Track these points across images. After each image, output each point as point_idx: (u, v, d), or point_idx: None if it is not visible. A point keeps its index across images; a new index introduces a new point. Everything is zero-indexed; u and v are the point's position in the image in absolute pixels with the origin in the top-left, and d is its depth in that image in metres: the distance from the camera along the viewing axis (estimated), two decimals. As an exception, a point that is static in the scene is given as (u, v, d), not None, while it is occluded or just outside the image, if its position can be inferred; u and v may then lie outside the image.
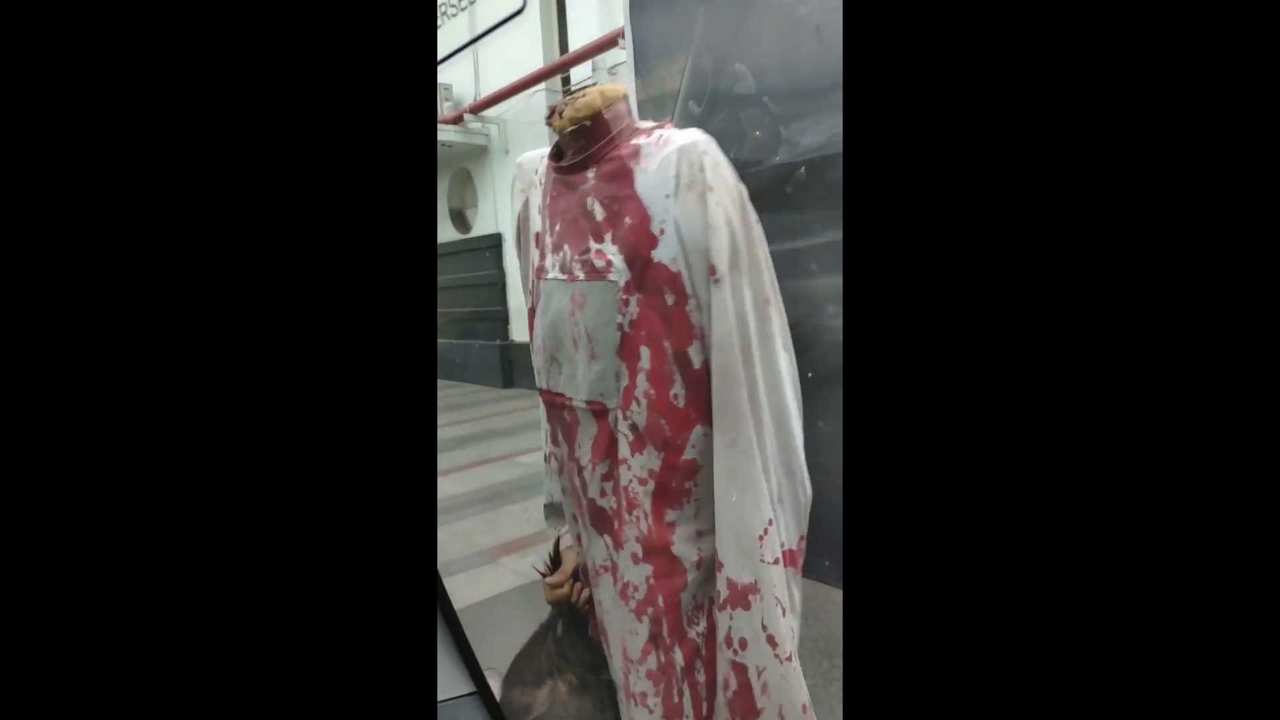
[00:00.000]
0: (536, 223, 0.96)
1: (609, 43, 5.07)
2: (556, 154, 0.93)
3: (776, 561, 0.81)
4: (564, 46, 6.38)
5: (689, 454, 0.84)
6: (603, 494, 0.90)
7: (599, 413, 0.87)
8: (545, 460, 1.06)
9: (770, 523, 0.81)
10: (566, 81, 6.16)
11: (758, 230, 0.84)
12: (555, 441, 0.97)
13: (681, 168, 0.80)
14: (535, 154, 1.00)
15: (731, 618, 0.82)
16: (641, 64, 1.52)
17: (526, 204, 0.99)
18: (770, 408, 0.83)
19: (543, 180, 0.96)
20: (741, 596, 0.81)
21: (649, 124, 0.89)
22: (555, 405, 0.94)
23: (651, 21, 1.49)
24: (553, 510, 1.08)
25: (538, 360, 0.95)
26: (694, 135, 0.82)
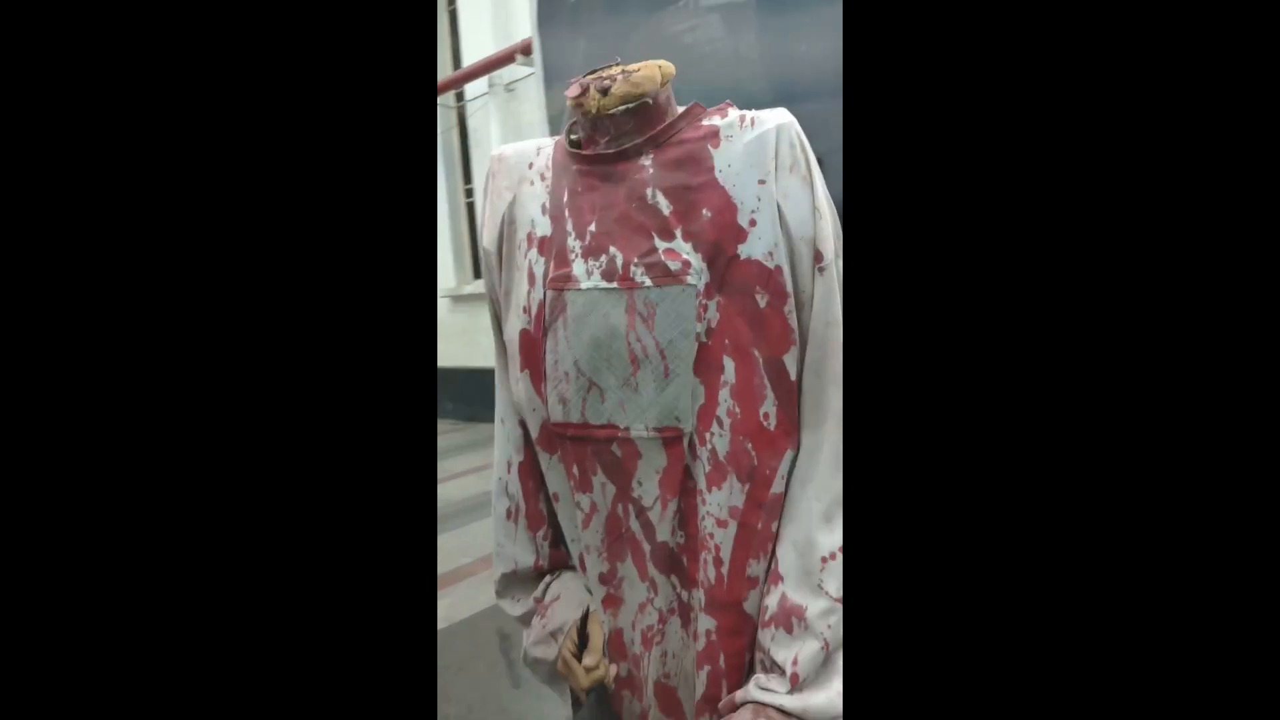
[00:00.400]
0: (539, 225, 0.80)
1: (506, 58, 5.06)
2: (575, 141, 0.80)
3: (839, 600, 0.70)
4: (457, 61, 6.30)
5: (778, 486, 0.72)
6: (673, 533, 0.76)
7: (670, 441, 0.73)
8: (508, 518, 0.87)
9: (841, 551, 0.70)
10: (460, 97, 6.09)
11: None
12: (584, 486, 0.79)
13: (781, 148, 0.70)
14: (523, 145, 0.85)
15: (772, 637, 0.70)
16: (551, 82, 1.54)
17: (514, 203, 0.82)
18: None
19: (546, 174, 0.81)
20: (785, 617, 0.70)
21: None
22: (594, 440, 0.77)
23: (559, 39, 1.52)
24: (513, 581, 0.89)
25: (561, 389, 0.77)
26: (787, 114, 0.72)
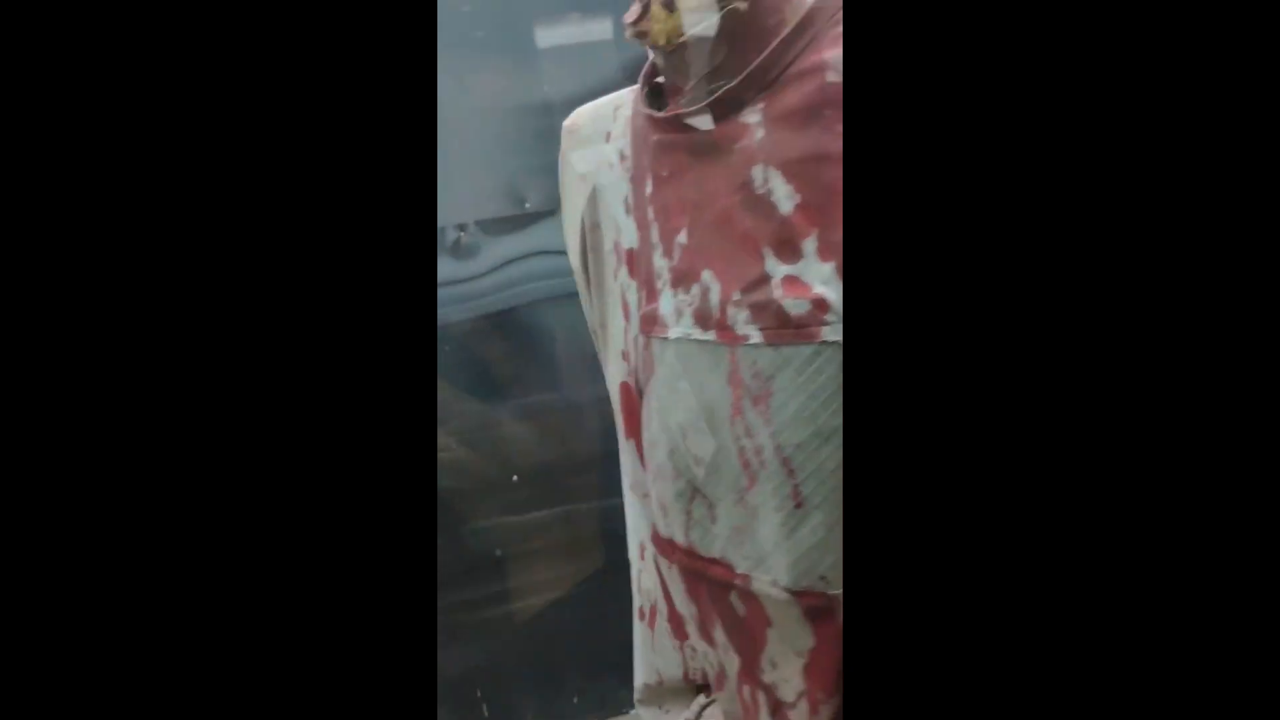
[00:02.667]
0: (625, 231, 0.53)
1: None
2: (657, 99, 0.50)
3: None
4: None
5: None
6: None
7: (817, 611, 0.45)
8: (641, 618, 0.61)
9: None
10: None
11: None
12: (707, 635, 0.52)
13: None
14: (600, 105, 0.55)
15: None
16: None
17: (594, 197, 0.54)
18: None
19: (626, 150, 0.52)
20: None
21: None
22: (707, 579, 0.50)
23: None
24: (659, 692, 0.62)
25: (660, 488, 0.51)
26: None
